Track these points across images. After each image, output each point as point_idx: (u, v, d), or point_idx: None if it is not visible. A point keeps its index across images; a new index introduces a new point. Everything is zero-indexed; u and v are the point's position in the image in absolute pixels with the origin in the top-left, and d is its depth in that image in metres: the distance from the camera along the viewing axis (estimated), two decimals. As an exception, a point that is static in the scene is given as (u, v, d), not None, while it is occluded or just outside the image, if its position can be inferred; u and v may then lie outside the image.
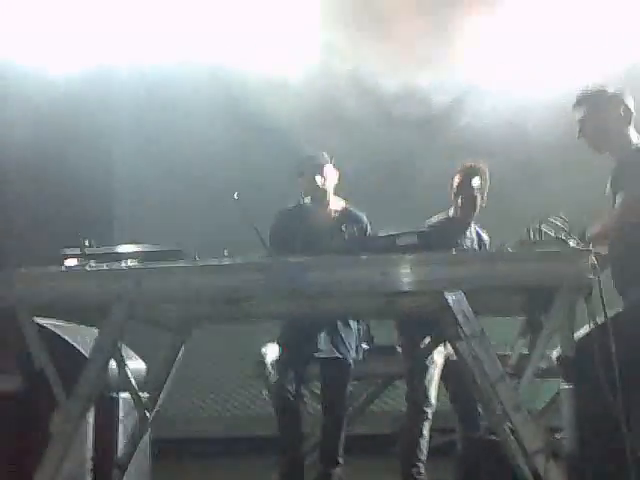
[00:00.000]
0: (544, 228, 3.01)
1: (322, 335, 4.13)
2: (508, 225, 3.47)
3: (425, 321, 3.83)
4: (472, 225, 4.22)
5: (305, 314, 3.41)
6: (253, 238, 3.45)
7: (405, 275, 3.01)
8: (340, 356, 4.17)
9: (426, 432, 3.97)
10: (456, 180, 4.16)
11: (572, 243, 3.00)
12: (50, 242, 4.93)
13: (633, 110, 3.44)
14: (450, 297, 2.98)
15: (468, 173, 4.14)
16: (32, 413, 3.63)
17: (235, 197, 3.31)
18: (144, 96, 6.57)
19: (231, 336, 4.45)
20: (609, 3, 5.25)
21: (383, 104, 5.45)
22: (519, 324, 3.56)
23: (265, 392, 4.62)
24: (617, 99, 3.44)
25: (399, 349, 4.29)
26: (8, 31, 5.37)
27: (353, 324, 4.25)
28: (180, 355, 3.78)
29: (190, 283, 3.15)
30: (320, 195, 4.26)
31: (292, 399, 4.10)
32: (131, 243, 3.44)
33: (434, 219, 4.14)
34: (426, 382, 3.98)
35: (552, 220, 3.05)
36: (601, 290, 2.94)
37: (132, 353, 4.04)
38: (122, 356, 3.69)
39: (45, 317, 3.59)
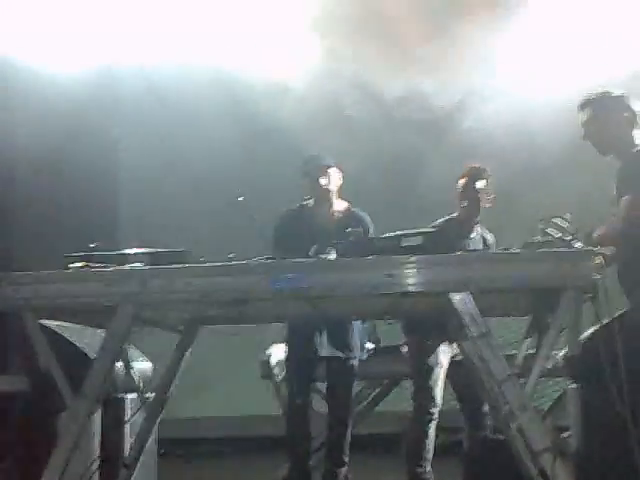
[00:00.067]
0: (549, 229, 3.01)
1: (325, 335, 4.13)
2: (513, 227, 3.47)
3: (431, 322, 3.83)
4: (477, 226, 4.21)
5: (310, 315, 3.41)
6: (258, 240, 3.45)
7: (410, 276, 3.01)
8: (344, 356, 4.17)
9: (432, 432, 3.97)
10: (461, 182, 4.16)
11: (577, 244, 2.99)
12: (56, 244, 4.95)
13: (638, 113, 3.43)
14: (456, 298, 2.98)
15: (473, 175, 4.14)
16: (39, 414, 3.64)
17: (240, 200, 3.32)
18: (150, 99, 6.57)
19: (236, 336, 4.43)
20: (614, 7, 5.22)
21: (387, 107, 5.45)
22: (525, 324, 3.55)
23: (273, 391, 4.63)
24: (622, 102, 3.44)
25: (405, 349, 4.29)
26: (17, 31, 5.37)
27: (357, 323, 4.24)
28: (186, 355, 3.79)
29: (195, 285, 3.16)
30: (324, 196, 4.25)
31: (301, 403, 4.11)
32: (136, 245, 3.45)
33: (439, 220, 4.14)
34: (432, 382, 3.98)
35: (557, 221, 3.05)
36: (606, 290, 2.94)
37: (138, 354, 4.05)
38: (128, 357, 3.70)
39: (51, 319, 3.60)
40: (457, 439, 4.20)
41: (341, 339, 4.16)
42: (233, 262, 3.21)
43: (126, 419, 3.82)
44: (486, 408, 4.06)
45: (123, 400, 3.83)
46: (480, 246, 4.14)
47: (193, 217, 6.68)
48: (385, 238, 3.21)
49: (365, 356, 4.35)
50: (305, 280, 3.08)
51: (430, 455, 3.97)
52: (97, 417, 3.61)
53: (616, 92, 3.48)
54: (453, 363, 4.06)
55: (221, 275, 3.16)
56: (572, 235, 3.00)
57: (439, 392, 4.00)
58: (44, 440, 3.42)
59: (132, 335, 3.49)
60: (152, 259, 3.30)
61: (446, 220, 4.15)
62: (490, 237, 4.27)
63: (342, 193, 4.31)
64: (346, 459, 4.18)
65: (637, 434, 2.96)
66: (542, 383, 3.15)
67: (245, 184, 4.16)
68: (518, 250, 3.05)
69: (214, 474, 5.57)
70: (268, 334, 4.58)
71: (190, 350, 3.82)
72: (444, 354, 4.04)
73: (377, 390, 5.03)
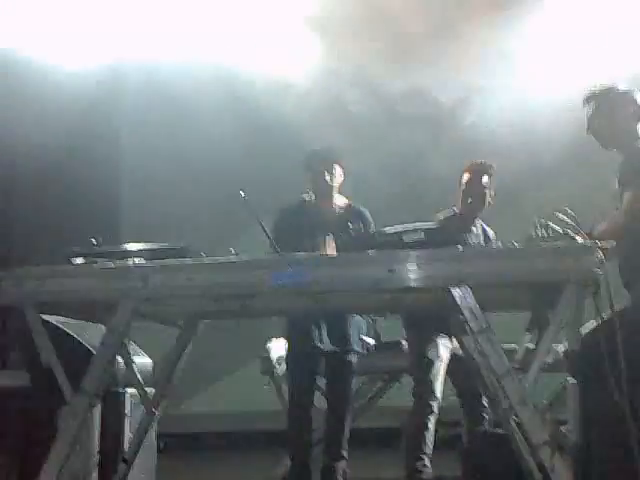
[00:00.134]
0: (551, 224, 3.02)
1: (324, 329, 4.13)
2: (515, 222, 3.47)
3: (431, 316, 3.84)
4: (478, 221, 4.22)
5: (311, 310, 3.42)
6: (259, 235, 3.45)
7: (412, 271, 3.02)
8: (343, 351, 4.17)
9: (432, 426, 3.98)
10: (465, 177, 4.16)
11: (579, 238, 3.00)
12: (57, 240, 4.95)
13: None
14: (456, 293, 2.99)
15: (478, 170, 4.14)
16: (39, 409, 3.64)
17: (242, 195, 3.32)
18: (151, 95, 6.55)
19: (236, 331, 4.45)
20: (617, 5, 5.23)
21: (389, 103, 5.44)
22: (526, 319, 3.56)
23: (269, 386, 4.64)
24: (627, 96, 3.45)
25: (405, 344, 4.30)
26: (16, 28, 5.36)
27: (354, 317, 4.24)
28: (186, 351, 3.79)
29: (196, 280, 3.16)
30: (326, 192, 4.25)
31: (302, 399, 4.12)
32: (138, 241, 3.45)
33: (440, 216, 4.14)
34: (432, 377, 3.99)
35: (559, 215, 3.06)
36: (608, 284, 2.95)
37: (138, 349, 4.05)
38: (128, 352, 3.70)
39: (52, 314, 3.60)
40: (456, 433, 4.22)
41: (340, 334, 4.17)
42: (234, 258, 3.21)
43: (126, 414, 3.83)
44: (485, 402, 4.08)
45: (123, 395, 3.83)
46: (481, 241, 4.15)
47: (195, 212, 6.68)
48: (387, 233, 3.22)
49: (365, 350, 4.35)
50: (306, 275, 3.08)
51: (430, 449, 3.98)
52: (97, 412, 3.61)
53: (622, 86, 3.49)
54: (453, 358, 4.07)
55: (222, 271, 3.17)
56: (574, 229, 3.01)
57: (439, 386, 4.01)
58: (44, 435, 3.42)
59: (132, 330, 3.50)
60: (153, 255, 3.31)
61: (448, 215, 4.15)
62: (490, 231, 4.28)
63: (344, 189, 4.31)
64: (344, 454, 4.19)
65: (636, 429, 2.98)
66: (542, 378, 3.15)
67: (248, 179, 4.17)
68: (519, 245, 3.06)
69: (214, 469, 5.58)
70: (266, 328, 4.59)
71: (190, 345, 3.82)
72: (444, 348, 4.04)
73: (378, 385, 5.05)
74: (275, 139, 6.20)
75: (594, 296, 2.95)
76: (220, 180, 6.07)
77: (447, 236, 3.29)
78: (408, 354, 4.21)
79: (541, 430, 2.99)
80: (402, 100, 5.36)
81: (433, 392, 3.99)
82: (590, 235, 3.10)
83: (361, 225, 3.35)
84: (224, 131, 6.03)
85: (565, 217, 3.06)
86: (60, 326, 3.68)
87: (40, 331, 3.34)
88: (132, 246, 3.39)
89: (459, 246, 3.17)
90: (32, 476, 3.27)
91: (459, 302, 2.99)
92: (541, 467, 3.06)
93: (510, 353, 3.28)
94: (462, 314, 3.03)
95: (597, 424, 3.18)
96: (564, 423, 3.47)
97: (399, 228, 3.21)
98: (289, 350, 4.25)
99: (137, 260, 3.28)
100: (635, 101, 3.44)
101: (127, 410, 3.85)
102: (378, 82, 5.22)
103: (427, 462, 3.98)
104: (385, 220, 3.37)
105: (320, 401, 4.35)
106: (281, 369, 4.51)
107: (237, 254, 3.20)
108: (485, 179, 4.12)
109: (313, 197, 4.30)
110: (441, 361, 4.03)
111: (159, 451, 4.09)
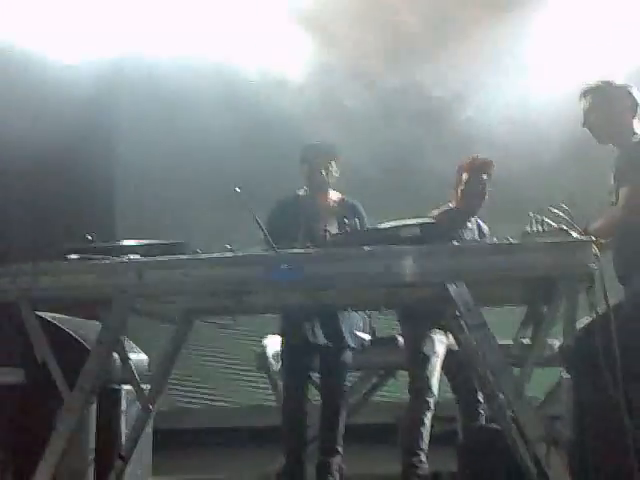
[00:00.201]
0: (546, 219, 3.02)
1: (318, 325, 4.13)
2: (511, 218, 3.48)
3: (427, 312, 3.85)
4: (473, 216, 4.23)
5: (307, 306, 3.42)
6: (255, 231, 3.45)
7: (408, 267, 3.02)
8: (337, 346, 4.17)
9: (428, 421, 3.98)
10: (465, 176, 4.14)
11: (574, 233, 3.01)
12: (52, 236, 4.94)
13: None
14: (452, 288, 3.00)
15: (478, 167, 4.13)
16: (35, 405, 3.64)
17: (237, 190, 3.31)
18: (147, 90, 6.54)
19: (232, 327, 4.45)
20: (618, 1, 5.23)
21: (385, 98, 5.44)
22: (521, 314, 3.57)
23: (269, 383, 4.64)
24: (624, 91, 3.46)
25: (400, 340, 4.31)
26: (13, 22, 5.35)
27: (351, 312, 4.24)
28: (182, 347, 3.79)
29: (192, 276, 3.16)
30: (321, 186, 4.24)
31: (297, 394, 4.12)
32: (133, 237, 3.45)
33: (436, 211, 4.14)
34: (428, 372, 3.99)
35: (554, 210, 3.06)
36: (603, 279, 2.95)
37: (134, 345, 4.05)
38: (124, 348, 3.70)
39: (47, 310, 3.60)
40: (452, 429, 4.23)
41: (334, 330, 4.17)
42: (230, 254, 3.21)
43: (122, 410, 3.83)
44: (481, 398, 4.09)
45: (119, 391, 3.83)
46: (477, 236, 4.15)
47: (191, 209, 6.68)
48: (383, 229, 3.22)
49: (359, 345, 4.35)
50: (303, 271, 3.09)
51: (426, 445, 3.98)
52: (93, 408, 3.61)
53: (619, 81, 3.50)
54: (449, 353, 4.08)
55: (218, 267, 3.17)
56: (569, 224, 3.01)
57: (435, 382, 4.01)
58: (40, 432, 3.42)
59: (128, 327, 3.50)
60: (148, 251, 3.31)
61: (444, 210, 4.16)
62: (485, 226, 4.28)
63: (340, 183, 4.30)
64: (339, 449, 4.19)
65: (630, 424, 2.99)
66: (537, 372, 3.16)
67: (244, 175, 4.16)
68: (515, 240, 3.07)
69: (209, 465, 5.58)
70: (261, 324, 4.58)
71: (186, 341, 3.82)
72: (440, 344, 4.05)
73: (373, 381, 5.06)
74: (272, 134, 6.19)
75: (588, 291, 2.96)
76: (218, 174, 6.07)
77: (443, 231, 3.29)
78: (404, 349, 4.21)
79: (537, 425, 3.00)
80: (398, 95, 5.36)
81: (429, 388, 3.99)
82: (586, 231, 3.11)
83: (356, 220, 3.35)
84: (221, 126, 6.02)
85: (560, 212, 3.07)
86: (56, 322, 3.68)
87: (35, 327, 3.34)
88: (127, 242, 3.39)
89: (454, 242, 3.17)
90: (28, 473, 3.27)
91: (455, 297, 3.00)
92: (537, 462, 3.07)
93: (505, 348, 3.28)
94: (458, 309, 3.04)
95: (591, 418, 3.19)
96: (559, 418, 3.50)
97: (395, 223, 3.21)
98: (283, 346, 4.25)
99: (132, 256, 3.28)
100: (631, 96, 3.45)
101: (123, 407, 3.84)
102: (374, 77, 5.21)
103: (423, 458, 3.98)
104: (381, 215, 3.37)
105: (315, 397, 4.35)
106: (277, 365, 4.51)
107: (232, 250, 3.20)
108: (485, 178, 4.13)
109: (307, 191, 4.30)
110: (437, 357, 4.03)
111: (155, 447, 4.09)
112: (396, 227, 3.14)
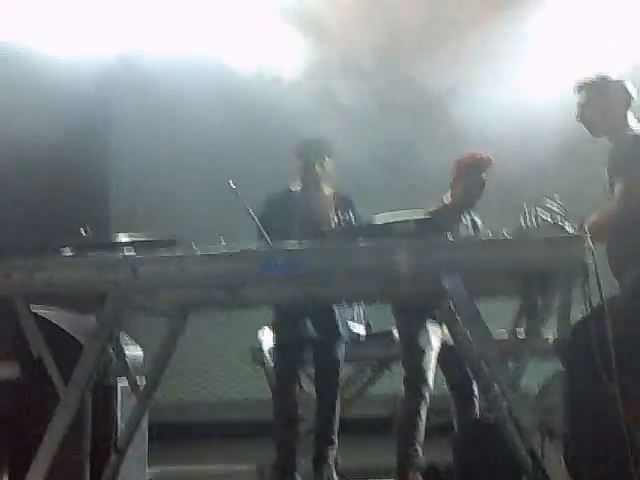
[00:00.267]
0: (540, 213, 3.03)
1: (312, 318, 4.13)
2: (506, 213, 3.49)
3: (422, 305, 3.85)
4: (468, 212, 4.23)
5: (302, 300, 3.42)
6: (250, 226, 3.45)
7: (402, 261, 3.03)
8: (330, 339, 4.18)
9: (423, 414, 4.00)
10: (464, 169, 4.14)
11: (568, 227, 3.02)
12: (47, 231, 4.92)
13: (634, 97, 3.45)
14: (447, 282, 3.00)
15: (478, 164, 4.13)
16: (30, 400, 3.64)
17: (232, 185, 3.31)
18: (144, 87, 6.52)
19: (226, 322, 4.48)
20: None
21: (380, 93, 5.43)
22: (516, 307, 3.57)
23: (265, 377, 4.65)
24: (619, 85, 3.47)
25: (396, 333, 4.31)
26: (13, 19, 5.32)
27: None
28: (177, 341, 3.79)
29: (186, 271, 3.16)
30: (315, 182, 4.24)
31: (288, 385, 4.12)
32: (128, 232, 3.44)
33: (430, 208, 4.14)
34: (424, 365, 4.00)
35: (548, 205, 3.07)
36: (597, 273, 2.96)
37: (129, 340, 4.05)
38: (119, 343, 3.70)
39: (42, 306, 3.59)
40: (448, 420, 4.24)
41: (328, 322, 4.17)
42: (224, 249, 3.20)
43: (118, 405, 3.83)
44: (476, 390, 4.10)
45: (114, 386, 3.83)
46: (471, 231, 4.16)
47: (186, 203, 6.67)
48: (377, 224, 3.22)
49: (352, 337, 4.35)
50: (297, 266, 3.09)
51: (421, 437, 4.00)
52: (88, 403, 3.61)
53: (613, 76, 3.50)
54: (443, 345, 4.09)
55: (212, 262, 3.17)
56: (563, 218, 3.02)
57: (431, 374, 4.02)
58: (35, 426, 3.42)
59: (123, 321, 3.50)
60: (143, 247, 3.30)
61: (439, 205, 4.16)
62: (479, 221, 4.29)
63: (335, 179, 4.29)
64: (335, 440, 4.21)
65: (625, 416, 3.00)
66: (532, 365, 3.18)
67: (239, 170, 4.14)
68: (509, 234, 3.07)
69: (204, 459, 5.60)
70: (255, 318, 4.58)
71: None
72: (435, 337, 4.06)
73: (368, 374, 5.07)
74: (269, 130, 6.18)
75: (583, 284, 2.97)
76: (211, 170, 6.05)
77: (437, 226, 3.29)
78: (399, 342, 4.22)
79: (531, 416, 3.01)
80: (393, 90, 5.35)
81: (425, 380, 4.00)
82: (582, 227, 3.11)
83: (351, 215, 3.35)
84: (218, 122, 6.01)
85: (554, 207, 3.07)
86: (50, 318, 3.67)
87: (30, 322, 3.34)
88: (122, 237, 3.38)
89: (449, 236, 3.18)
90: (23, 468, 3.27)
91: (450, 291, 3.01)
92: (532, 453, 3.09)
93: (500, 341, 3.29)
94: (453, 302, 3.05)
95: (586, 410, 3.21)
96: (554, 409, 3.51)
97: (389, 218, 3.21)
98: (275, 337, 4.25)
99: (127, 251, 3.28)
100: (626, 90, 3.46)
101: (119, 400, 3.85)
102: (369, 73, 5.20)
103: (418, 449, 4.00)
104: (376, 210, 3.37)
105: (311, 390, 4.36)
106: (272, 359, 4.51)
107: (227, 244, 3.20)
108: (484, 177, 4.13)
109: (300, 186, 4.29)
110: (432, 349, 4.04)
111: (151, 441, 4.09)
112: (390, 222, 3.15)
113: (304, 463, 4.18)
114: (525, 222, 3.05)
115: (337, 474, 4.14)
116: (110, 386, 3.81)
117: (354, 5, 4.91)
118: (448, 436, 3.99)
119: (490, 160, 4.16)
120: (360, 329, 4.51)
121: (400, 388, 4.10)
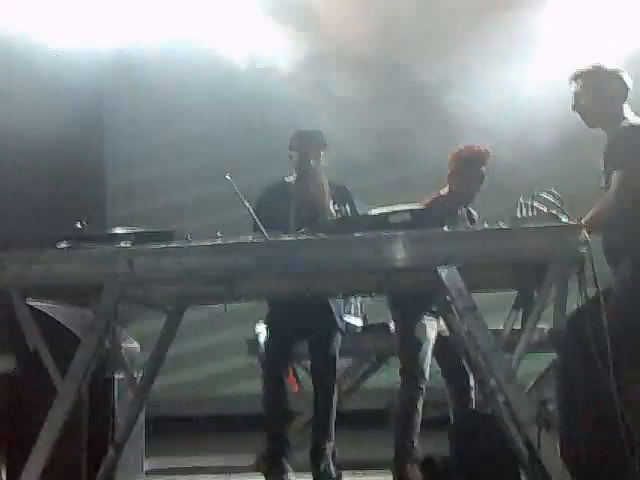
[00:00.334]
0: (536, 204, 3.03)
1: (308, 310, 4.12)
2: (501, 203, 3.49)
3: (418, 297, 3.85)
4: (465, 205, 4.23)
5: (298, 293, 3.42)
6: (246, 218, 3.45)
7: (398, 252, 3.03)
8: (327, 331, 4.17)
9: (420, 406, 4.01)
10: (463, 163, 4.13)
11: (564, 218, 3.02)
12: (43, 224, 4.93)
13: (630, 87, 3.45)
14: (443, 273, 3.00)
15: (477, 158, 4.13)
16: (26, 394, 3.64)
17: (227, 177, 3.31)
18: (142, 81, 6.52)
19: (222, 315, 4.46)
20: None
21: (376, 84, 5.42)
22: (512, 298, 3.58)
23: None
24: (614, 75, 3.46)
25: (392, 326, 4.32)
26: (13, 11, 5.31)
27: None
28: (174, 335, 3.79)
29: (182, 264, 3.16)
30: (309, 174, 4.23)
31: (277, 376, 4.12)
32: (124, 225, 3.44)
33: (427, 199, 4.14)
34: (420, 357, 4.01)
35: (544, 195, 3.07)
36: (592, 264, 2.97)
37: (126, 334, 4.04)
38: (116, 337, 3.69)
39: (38, 299, 3.59)
40: (444, 413, 4.25)
41: (324, 315, 4.16)
42: (221, 241, 3.20)
43: (115, 399, 3.83)
44: (472, 382, 4.11)
45: (111, 380, 3.83)
46: (467, 222, 4.16)
47: (182, 196, 6.68)
48: (373, 215, 3.22)
49: (351, 329, 4.35)
50: (294, 258, 3.09)
51: (418, 429, 4.01)
52: (85, 396, 3.61)
53: (609, 66, 3.50)
54: (439, 338, 4.09)
55: (208, 254, 3.17)
56: (559, 209, 3.02)
57: (427, 367, 4.03)
58: (32, 419, 3.41)
59: (120, 315, 3.49)
60: (139, 239, 3.30)
61: (435, 197, 4.16)
62: (474, 212, 4.29)
63: (330, 169, 4.28)
64: (332, 434, 4.21)
65: (620, 406, 3.01)
66: (528, 356, 3.18)
67: (234, 161, 4.16)
68: (505, 225, 3.08)
69: (202, 452, 5.61)
70: (251, 312, 4.58)
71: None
72: (431, 329, 4.06)
73: (365, 366, 5.07)
74: (265, 121, 6.19)
75: (579, 275, 2.97)
76: (207, 162, 6.07)
77: (433, 217, 3.29)
78: (395, 335, 4.22)
79: (528, 408, 3.02)
80: (389, 81, 5.34)
81: (421, 373, 4.01)
82: (580, 218, 3.10)
83: (347, 206, 3.34)
84: (215, 114, 6.02)
85: (549, 197, 3.07)
86: (46, 311, 3.67)
87: (26, 315, 3.33)
88: (118, 230, 3.38)
89: (445, 227, 3.18)
90: (20, 460, 3.27)
91: (446, 282, 3.01)
92: (528, 445, 3.10)
93: (496, 333, 3.29)
94: (449, 294, 3.05)
95: (581, 401, 3.21)
96: (550, 401, 3.52)
97: (385, 209, 3.22)
98: (267, 332, 4.25)
99: (123, 244, 3.27)
100: (622, 80, 3.45)
101: (115, 394, 3.84)
102: (364, 63, 5.19)
103: (415, 442, 4.01)
104: (371, 201, 3.37)
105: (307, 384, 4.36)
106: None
107: (223, 237, 3.20)
108: (483, 170, 4.13)
109: (294, 178, 4.29)
110: (428, 342, 4.05)
111: (148, 435, 4.09)
112: (386, 213, 3.15)
113: (302, 456, 4.19)
114: (521, 212, 3.05)
115: (334, 466, 4.14)
116: (107, 379, 3.81)
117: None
118: (445, 429, 4.00)
119: (488, 153, 4.16)
120: (357, 321, 4.51)
121: (397, 381, 4.10)
